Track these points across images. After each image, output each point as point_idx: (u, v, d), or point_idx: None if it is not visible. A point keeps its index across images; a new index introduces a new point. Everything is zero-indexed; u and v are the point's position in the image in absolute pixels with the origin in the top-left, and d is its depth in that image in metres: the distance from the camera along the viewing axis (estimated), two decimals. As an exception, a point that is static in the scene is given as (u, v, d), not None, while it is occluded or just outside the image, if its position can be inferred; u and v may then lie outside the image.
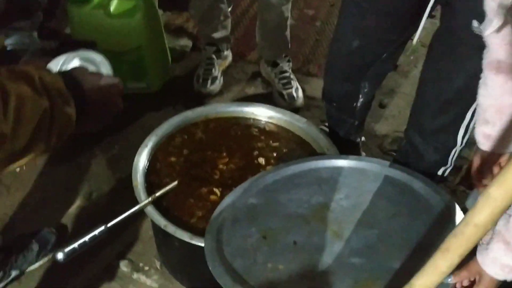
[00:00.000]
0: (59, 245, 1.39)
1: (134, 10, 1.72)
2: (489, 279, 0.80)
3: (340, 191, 1.06)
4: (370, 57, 1.30)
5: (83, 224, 1.51)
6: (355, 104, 1.43)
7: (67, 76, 0.68)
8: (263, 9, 1.80)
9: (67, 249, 0.90)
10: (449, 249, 0.64)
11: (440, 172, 1.28)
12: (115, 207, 1.53)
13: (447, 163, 1.26)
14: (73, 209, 1.55)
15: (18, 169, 1.67)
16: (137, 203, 1.13)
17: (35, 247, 1.38)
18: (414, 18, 1.13)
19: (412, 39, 1.18)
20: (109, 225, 0.99)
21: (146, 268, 1.39)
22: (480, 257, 0.79)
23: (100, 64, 0.83)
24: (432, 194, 1.02)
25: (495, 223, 0.67)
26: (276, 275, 0.89)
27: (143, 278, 1.37)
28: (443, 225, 0.95)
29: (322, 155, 1.25)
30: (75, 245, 0.91)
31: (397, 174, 1.08)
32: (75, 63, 0.82)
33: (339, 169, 1.13)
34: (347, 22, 1.29)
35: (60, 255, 0.89)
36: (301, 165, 1.15)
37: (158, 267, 1.39)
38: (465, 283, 0.85)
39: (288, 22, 1.80)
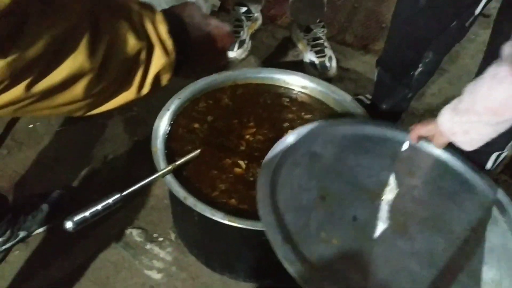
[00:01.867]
0: (70, 208, 1.32)
1: (161, -39, 1.58)
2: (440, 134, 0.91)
3: (415, 177, 0.92)
4: (438, 23, 1.16)
5: (97, 187, 1.42)
6: (412, 72, 1.29)
7: (174, 18, 0.59)
8: (300, -33, 1.65)
9: (77, 218, 0.81)
10: None
11: (493, 157, 1.16)
12: (130, 171, 1.46)
13: (503, 149, 1.14)
14: (87, 171, 1.47)
15: (31, 126, 1.59)
16: (154, 170, 1.03)
17: (45, 208, 1.30)
18: None
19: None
20: (124, 193, 0.89)
21: (160, 239, 1.31)
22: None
23: None
24: None
25: None
26: (327, 249, 0.75)
27: (156, 249, 1.29)
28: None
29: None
30: (87, 213, 0.82)
31: (479, 184, 0.94)
32: None
33: (420, 152, 0.98)
34: None
35: (69, 224, 0.80)
36: (380, 129, 0.99)
37: (173, 239, 1.30)
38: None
39: (327, -16, 1.65)
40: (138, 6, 0.55)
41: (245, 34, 1.80)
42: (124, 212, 1.36)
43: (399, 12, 1.25)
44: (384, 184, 0.89)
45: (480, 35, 1.91)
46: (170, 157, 1.08)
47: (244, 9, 1.80)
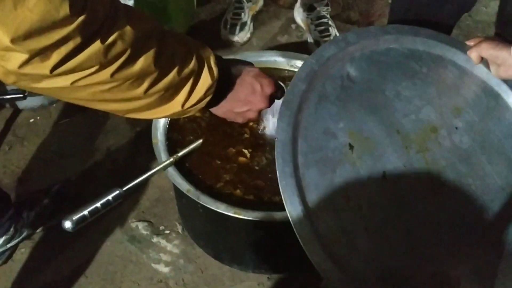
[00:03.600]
0: (74, 202, 1.30)
1: None
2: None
3: (460, 116, 0.74)
4: None
5: (100, 179, 1.40)
6: None
7: (227, 71, 0.74)
8: None
9: (76, 217, 0.78)
10: None
11: None
12: (134, 162, 1.43)
13: None
14: (90, 163, 1.44)
15: (32, 120, 1.56)
16: (157, 161, 1.00)
17: (48, 204, 1.28)
18: None
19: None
20: (124, 188, 0.86)
21: (167, 231, 1.28)
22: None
23: None
24: None
25: None
26: (353, 221, 0.65)
27: (163, 242, 1.26)
28: None
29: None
30: (85, 212, 0.79)
31: None
32: None
33: (472, 80, 0.79)
34: None
35: (68, 224, 0.77)
36: (433, 43, 0.80)
37: (180, 231, 1.28)
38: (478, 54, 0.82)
39: (330, -40, 1.59)
40: (195, 42, 0.70)
41: (246, 16, 1.74)
42: (129, 205, 1.33)
43: None
44: (423, 124, 0.74)
45: (492, 6, 1.83)
46: (171, 148, 1.04)
47: (244, -10, 1.74)
